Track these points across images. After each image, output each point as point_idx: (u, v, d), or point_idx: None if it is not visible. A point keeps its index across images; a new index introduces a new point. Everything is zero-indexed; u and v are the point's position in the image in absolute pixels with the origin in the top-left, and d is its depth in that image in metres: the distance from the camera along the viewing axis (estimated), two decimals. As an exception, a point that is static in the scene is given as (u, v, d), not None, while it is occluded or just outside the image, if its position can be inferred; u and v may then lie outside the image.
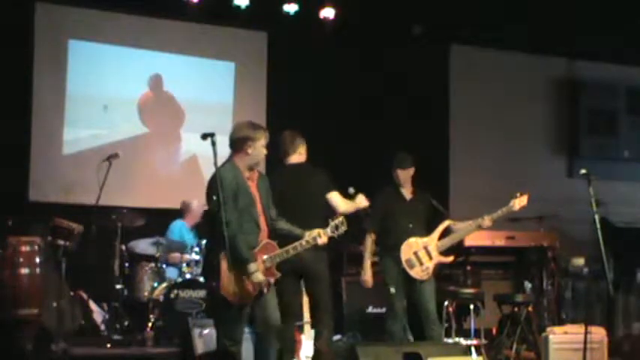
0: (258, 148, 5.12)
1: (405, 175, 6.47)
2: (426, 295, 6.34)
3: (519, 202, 6.39)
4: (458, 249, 7.48)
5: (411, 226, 6.39)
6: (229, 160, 5.17)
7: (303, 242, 5.19)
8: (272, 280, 5.12)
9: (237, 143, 5.13)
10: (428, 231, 6.43)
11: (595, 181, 5.81)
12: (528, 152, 10.25)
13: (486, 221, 6.35)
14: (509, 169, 9.97)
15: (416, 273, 6.31)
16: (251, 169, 5.17)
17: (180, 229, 8.06)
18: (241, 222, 4.95)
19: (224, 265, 4.89)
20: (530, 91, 10.32)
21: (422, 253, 6.33)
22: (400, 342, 6.18)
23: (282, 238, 5.24)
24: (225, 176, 5.00)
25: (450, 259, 6.44)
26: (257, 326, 5.14)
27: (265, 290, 5.04)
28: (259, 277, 4.94)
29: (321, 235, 5.23)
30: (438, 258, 6.36)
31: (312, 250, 5.37)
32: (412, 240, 6.36)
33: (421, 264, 6.32)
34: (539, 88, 10.44)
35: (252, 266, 4.92)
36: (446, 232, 6.42)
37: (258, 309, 5.09)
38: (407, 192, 6.51)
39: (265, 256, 5.08)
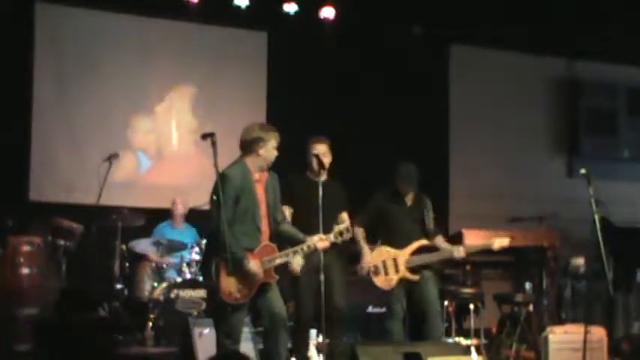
0: (270, 150, 5.15)
1: (409, 190, 6.49)
2: (431, 295, 6.34)
3: (500, 242, 6.37)
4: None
5: (408, 227, 6.40)
6: (239, 160, 5.19)
7: (304, 247, 5.22)
8: (272, 282, 5.14)
9: (249, 144, 5.15)
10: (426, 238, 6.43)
11: (595, 181, 5.81)
12: (528, 152, 10.24)
13: (461, 252, 6.29)
14: (509, 169, 9.97)
15: (379, 281, 6.31)
16: (262, 169, 5.20)
17: (159, 232, 8.00)
18: (239, 223, 4.96)
19: (222, 265, 4.92)
20: (530, 91, 10.32)
21: (390, 264, 6.31)
22: (400, 342, 6.18)
23: (285, 242, 5.27)
24: (233, 176, 5.04)
25: (416, 277, 6.29)
26: (264, 323, 5.16)
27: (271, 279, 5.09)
28: (254, 267, 4.96)
29: (322, 240, 5.26)
30: (404, 273, 6.29)
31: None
32: (385, 249, 6.35)
33: (386, 274, 6.30)
34: (539, 88, 10.44)
35: (247, 260, 4.95)
36: (420, 251, 6.37)
37: (264, 306, 5.12)
38: (409, 198, 6.51)
39: (264, 258, 5.10)
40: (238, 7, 8.88)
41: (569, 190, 9.38)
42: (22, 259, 6.44)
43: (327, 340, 6.01)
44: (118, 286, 7.47)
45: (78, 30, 8.67)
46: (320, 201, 5.62)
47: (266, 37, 9.37)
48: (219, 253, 4.93)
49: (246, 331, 5.98)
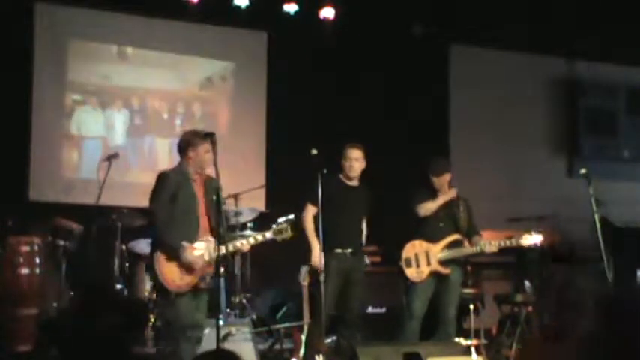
0: (200, 154, 5.41)
1: (440, 182, 6.58)
2: (452, 297, 6.51)
3: (532, 238, 6.43)
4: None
5: (441, 225, 6.47)
6: (179, 163, 5.50)
7: (244, 242, 5.49)
8: (210, 272, 5.35)
9: (182, 149, 5.48)
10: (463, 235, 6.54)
11: (595, 181, 5.81)
12: (528, 152, 10.24)
13: (492, 246, 6.43)
14: (510, 169, 9.96)
15: (410, 273, 6.41)
16: (199, 172, 5.45)
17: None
18: (177, 217, 5.27)
19: (161, 255, 5.22)
20: (530, 91, 10.31)
21: (422, 256, 6.39)
22: (400, 342, 6.19)
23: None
24: (169, 176, 5.38)
25: (447, 271, 6.47)
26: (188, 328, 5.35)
27: (202, 284, 5.35)
28: (189, 256, 5.23)
29: (249, 242, 5.52)
30: (435, 266, 6.42)
31: None
32: (418, 241, 6.47)
33: (418, 266, 6.38)
34: (539, 88, 10.43)
35: (182, 249, 5.22)
36: (454, 245, 6.50)
37: (197, 317, 5.40)
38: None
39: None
40: (238, 7, 8.87)
41: (569, 190, 9.36)
42: (21, 259, 6.43)
43: (328, 340, 6.01)
44: (118, 286, 7.46)
45: (78, 30, 8.66)
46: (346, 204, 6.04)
47: (266, 37, 9.36)
48: (159, 245, 5.24)
49: (246, 331, 5.99)
